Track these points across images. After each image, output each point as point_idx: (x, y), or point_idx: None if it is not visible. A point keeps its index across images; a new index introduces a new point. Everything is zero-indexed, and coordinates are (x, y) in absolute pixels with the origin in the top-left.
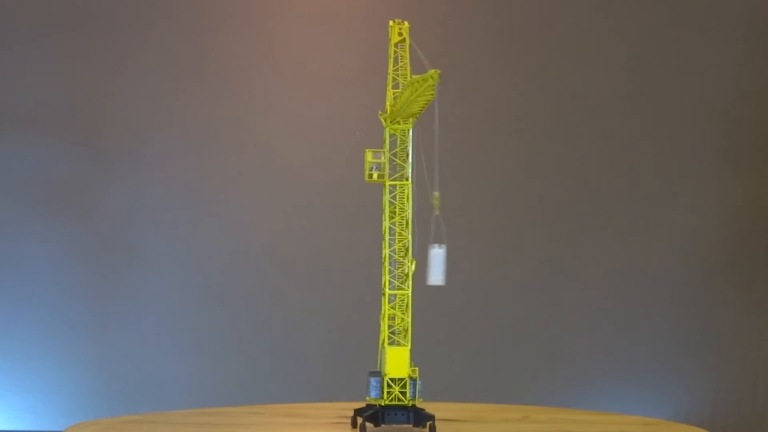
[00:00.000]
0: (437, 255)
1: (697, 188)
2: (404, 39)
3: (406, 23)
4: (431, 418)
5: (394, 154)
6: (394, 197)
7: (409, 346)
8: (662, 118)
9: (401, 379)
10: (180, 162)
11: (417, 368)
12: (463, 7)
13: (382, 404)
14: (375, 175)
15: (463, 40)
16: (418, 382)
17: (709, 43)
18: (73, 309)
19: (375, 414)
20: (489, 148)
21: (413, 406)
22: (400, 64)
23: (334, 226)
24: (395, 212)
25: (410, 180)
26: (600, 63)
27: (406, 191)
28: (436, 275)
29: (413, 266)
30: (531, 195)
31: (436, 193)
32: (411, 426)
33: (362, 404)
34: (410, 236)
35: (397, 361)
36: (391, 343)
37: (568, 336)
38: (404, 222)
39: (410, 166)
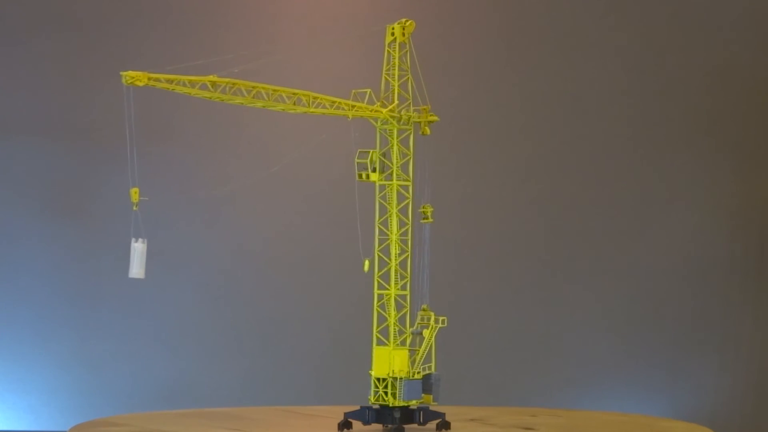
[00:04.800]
0: (136, 250)
1: (697, 188)
2: (395, 38)
3: (408, 22)
4: (395, 420)
5: (384, 155)
6: (383, 197)
7: (391, 346)
8: (662, 117)
9: (385, 379)
10: (179, 162)
11: (409, 369)
12: (463, 8)
13: (370, 404)
14: (364, 175)
15: (464, 40)
16: (402, 382)
17: (710, 43)
18: (73, 309)
19: (359, 413)
20: (489, 148)
21: (397, 406)
22: (391, 63)
23: (333, 226)
24: (387, 212)
25: (394, 179)
26: (601, 63)
27: (393, 191)
28: (135, 269)
29: (367, 265)
30: (531, 195)
31: (135, 189)
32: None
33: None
34: (395, 235)
35: (380, 361)
36: (378, 343)
37: (569, 336)
38: (394, 222)
39: (395, 166)
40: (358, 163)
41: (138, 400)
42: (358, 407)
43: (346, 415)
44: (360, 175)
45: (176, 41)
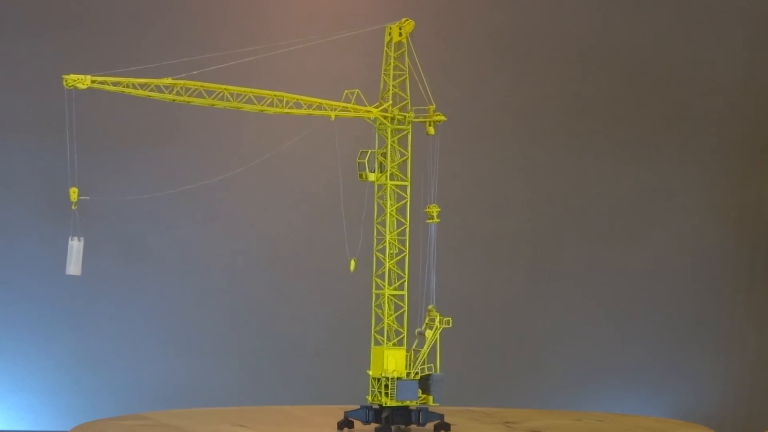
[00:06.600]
0: (73, 248)
1: (697, 187)
2: (392, 38)
3: (407, 22)
4: (381, 420)
5: (383, 155)
6: (381, 197)
7: (385, 346)
8: (662, 117)
9: (378, 379)
10: (179, 162)
11: (404, 369)
12: (463, 8)
13: (369, 403)
14: (364, 175)
15: (464, 41)
16: (396, 382)
17: (709, 43)
18: (73, 309)
19: (359, 412)
20: (489, 148)
21: (389, 406)
22: (388, 64)
23: (334, 226)
24: (384, 212)
25: (387, 179)
26: (601, 63)
27: (387, 191)
28: (72, 266)
29: (353, 264)
30: (531, 194)
31: (74, 188)
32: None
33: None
34: (390, 235)
35: (377, 361)
36: (376, 343)
37: (569, 336)
38: (390, 222)
39: (389, 165)
40: (358, 163)
41: (138, 399)
42: (358, 407)
43: (346, 414)
44: (361, 175)
45: (175, 40)
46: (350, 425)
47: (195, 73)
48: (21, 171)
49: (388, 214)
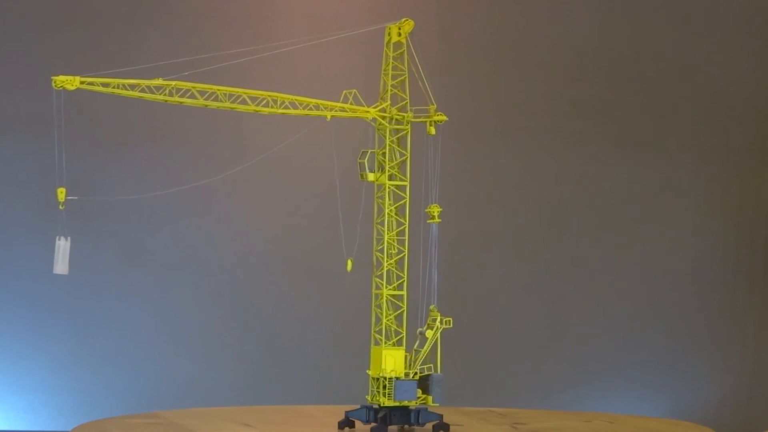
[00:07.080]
0: (60, 247)
1: (697, 188)
2: (391, 38)
3: (406, 22)
4: (377, 420)
5: (383, 155)
6: (380, 197)
7: (382, 346)
8: (661, 117)
9: (377, 379)
10: (180, 162)
11: (402, 369)
12: (463, 7)
13: (369, 403)
14: (364, 175)
15: (463, 40)
16: (395, 382)
17: (709, 43)
18: (73, 309)
19: (360, 412)
20: (489, 148)
21: (385, 406)
22: (387, 64)
23: (335, 226)
24: (383, 212)
25: (386, 179)
26: (600, 63)
27: (385, 191)
28: (59, 265)
29: (350, 265)
30: (531, 195)
31: (61, 189)
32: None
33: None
34: (389, 235)
35: (375, 361)
36: (376, 343)
37: (570, 336)
38: (389, 222)
39: (388, 165)
40: (359, 163)
41: (138, 399)
42: (358, 406)
43: (347, 414)
44: (361, 175)
45: (174, 40)
46: (351, 425)
47: (187, 73)
48: (21, 171)
49: (386, 214)
